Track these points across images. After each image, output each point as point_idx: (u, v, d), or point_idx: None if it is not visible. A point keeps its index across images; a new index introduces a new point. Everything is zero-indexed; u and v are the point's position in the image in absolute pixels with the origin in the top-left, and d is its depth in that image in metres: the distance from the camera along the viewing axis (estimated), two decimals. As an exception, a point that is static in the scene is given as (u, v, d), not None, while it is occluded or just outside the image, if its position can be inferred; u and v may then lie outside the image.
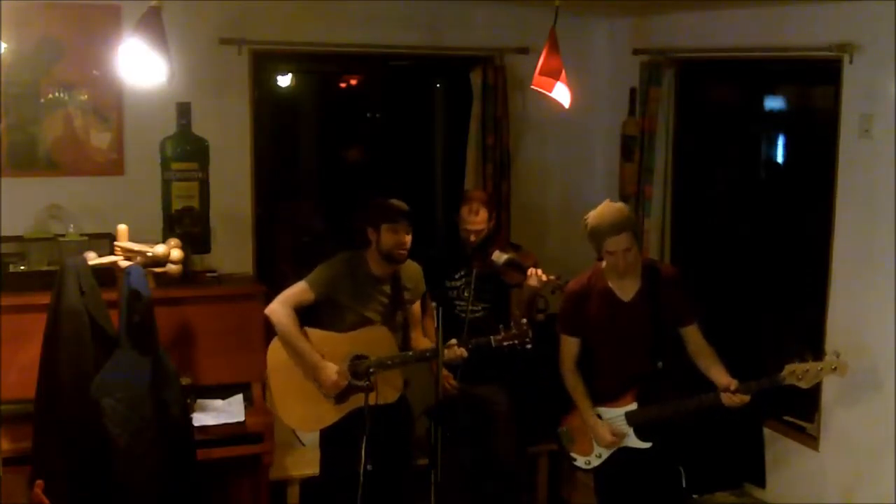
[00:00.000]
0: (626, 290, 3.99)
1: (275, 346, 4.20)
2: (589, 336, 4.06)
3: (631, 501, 4.08)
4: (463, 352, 4.09)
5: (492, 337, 4.14)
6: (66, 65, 4.77)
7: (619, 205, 4.01)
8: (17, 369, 4.26)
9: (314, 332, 4.15)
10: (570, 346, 4.09)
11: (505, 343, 4.13)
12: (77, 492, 3.83)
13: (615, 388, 4.01)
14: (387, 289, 4.22)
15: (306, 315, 4.18)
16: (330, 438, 4.27)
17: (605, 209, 3.92)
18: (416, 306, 4.38)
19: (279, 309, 4.14)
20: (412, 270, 4.32)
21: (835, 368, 3.77)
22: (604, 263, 3.98)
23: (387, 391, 4.12)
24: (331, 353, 4.10)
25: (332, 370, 4.05)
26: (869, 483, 4.27)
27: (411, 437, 4.44)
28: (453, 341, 4.09)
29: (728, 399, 3.81)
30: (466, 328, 4.38)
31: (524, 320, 4.16)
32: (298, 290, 4.17)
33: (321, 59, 5.50)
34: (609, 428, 3.99)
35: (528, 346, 4.12)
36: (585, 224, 3.93)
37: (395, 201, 4.21)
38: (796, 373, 3.78)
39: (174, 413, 4.00)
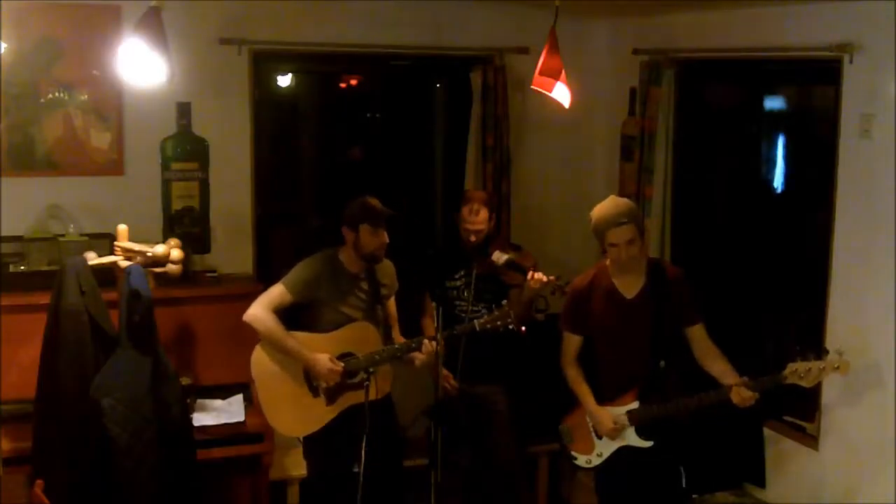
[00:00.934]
0: (630, 288, 3.99)
1: (257, 355, 4.20)
2: (591, 333, 4.06)
3: (631, 501, 4.08)
4: (434, 344, 4.06)
5: (476, 321, 4.17)
6: (66, 65, 4.77)
7: (624, 199, 4.02)
8: (17, 369, 4.26)
9: (298, 335, 4.15)
10: (571, 343, 4.10)
11: (489, 326, 4.13)
12: (77, 492, 3.83)
13: (617, 386, 4.01)
14: (364, 285, 4.24)
15: (286, 317, 4.18)
16: (314, 440, 4.27)
17: (610, 202, 3.94)
18: (392, 303, 4.39)
19: (260, 313, 4.12)
20: (386, 266, 4.33)
21: (837, 367, 3.77)
22: (608, 260, 3.99)
23: (382, 384, 4.14)
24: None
25: (324, 360, 4.07)
26: (869, 483, 4.27)
27: (398, 432, 4.44)
28: (430, 334, 4.10)
29: (738, 394, 3.80)
30: (466, 328, 4.38)
31: (504, 302, 4.17)
32: (277, 294, 4.16)
33: (321, 59, 5.50)
34: (610, 416, 3.99)
35: (511, 326, 4.11)
36: (590, 218, 3.93)
37: (373, 201, 4.18)
38: (798, 371, 3.78)
39: (174, 413, 4.00)
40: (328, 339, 4.15)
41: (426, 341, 4.11)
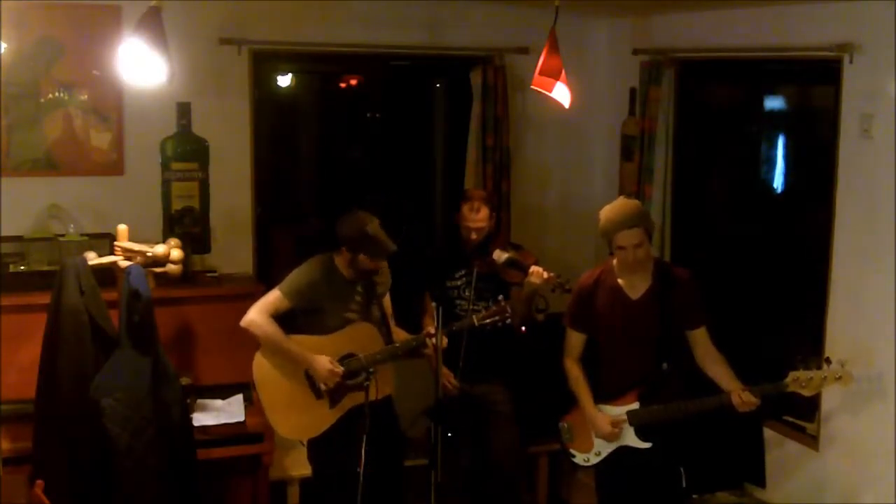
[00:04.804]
0: (636, 288, 3.99)
1: (258, 360, 4.21)
2: (595, 332, 4.07)
3: (631, 501, 4.08)
4: (443, 340, 4.08)
5: (474, 317, 4.20)
6: (66, 65, 4.78)
7: (634, 201, 4.02)
8: (17, 369, 4.26)
9: (299, 339, 4.16)
10: (574, 340, 4.10)
11: (487, 321, 4.18)
12: (77, 492, 3.83)
13: (618, 386, 4.01)
14: (360, 287, 4.27)
15: (285, 323, 4.19)
16: (317, 442, 4.28)
17: (619, 204, 3.95)
18: (387, 299, 4.41)
19: (257, 318, 4.13)
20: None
21: (839, 377, 3.78)
22: (615, 259, 3.99)
23: (383, 385, 4.14)
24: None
25: (324, 361, 4.10)
26: (869, 483, 4.27)
27: (398, 432, 4.45)
28: (430, 330, 4.10)
29: (739, 397, 3.80)
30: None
31: (501, 297, 4.21)
32: (274, 299, 4.17)
33: (321, 59, 5.51)
34: (608, 419, 3.99)
35: (509, 321, 4.16)
36: (599, 218, 3.93)
37: (373, 228, 4.08)
38: (800, 380, 3.79)
39: (174, 413, 4.00)
40: (329, 341, 4.16)
41: (429, 340, 4.12)
